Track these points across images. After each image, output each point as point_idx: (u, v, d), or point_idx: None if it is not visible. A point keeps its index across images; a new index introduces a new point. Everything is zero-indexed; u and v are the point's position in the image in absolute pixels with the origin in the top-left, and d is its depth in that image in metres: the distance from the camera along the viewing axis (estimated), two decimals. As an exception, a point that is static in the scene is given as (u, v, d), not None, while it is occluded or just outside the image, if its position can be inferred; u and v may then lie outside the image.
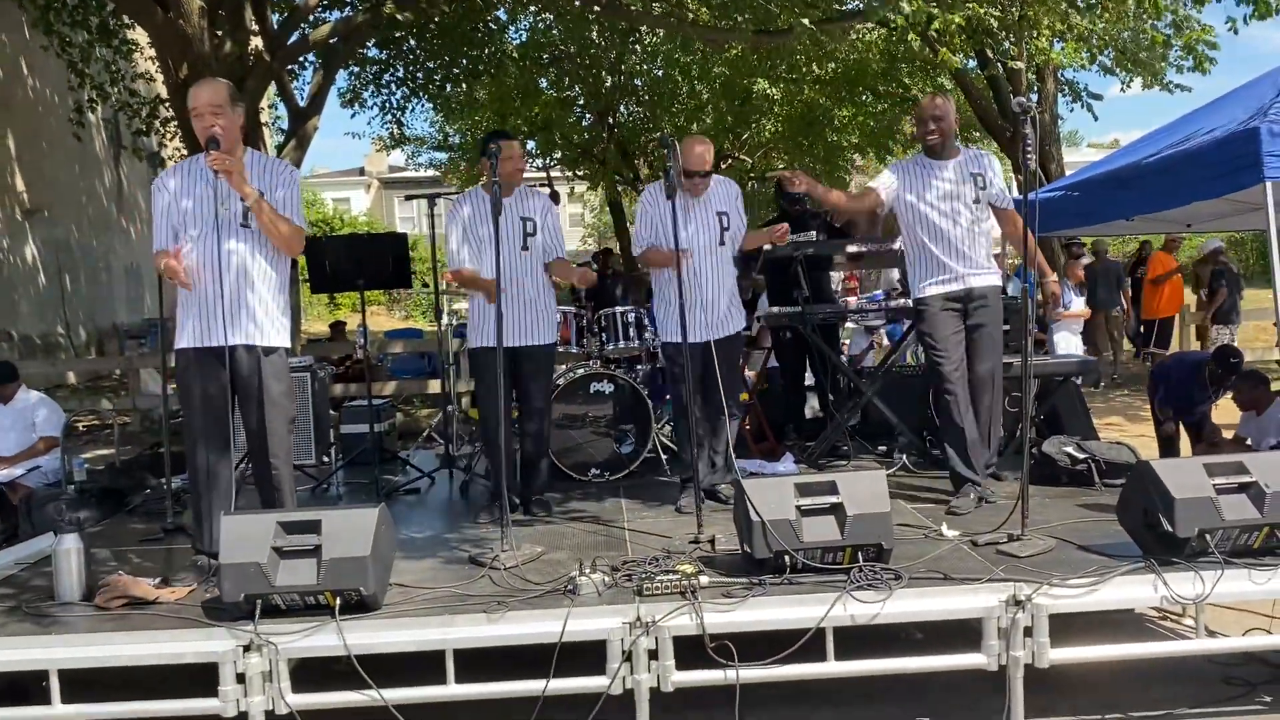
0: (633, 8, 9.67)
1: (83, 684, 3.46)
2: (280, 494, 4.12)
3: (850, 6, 8.79)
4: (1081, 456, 5.13)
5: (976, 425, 4.83)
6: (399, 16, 9.53)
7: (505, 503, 4.15)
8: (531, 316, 4.90)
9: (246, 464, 4.56)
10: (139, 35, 11.37)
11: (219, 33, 8.70)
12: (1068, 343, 9.75)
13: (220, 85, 4.03)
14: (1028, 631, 3.47)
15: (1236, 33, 8.12)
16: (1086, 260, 13.72)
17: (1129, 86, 12.46)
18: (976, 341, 4.86)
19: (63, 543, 3.78)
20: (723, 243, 5.00)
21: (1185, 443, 6.67)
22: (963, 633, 3.61)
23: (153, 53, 10.24)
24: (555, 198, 21.26)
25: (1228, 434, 6.35)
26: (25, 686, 3.67)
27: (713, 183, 5.02)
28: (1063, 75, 14.13)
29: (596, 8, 10.03)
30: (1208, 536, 3.61)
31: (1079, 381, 6.63)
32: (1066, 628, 3.59)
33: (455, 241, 4.94)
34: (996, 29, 8.98)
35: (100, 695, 3.44)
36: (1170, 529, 3.59)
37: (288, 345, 4.14)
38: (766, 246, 6.24)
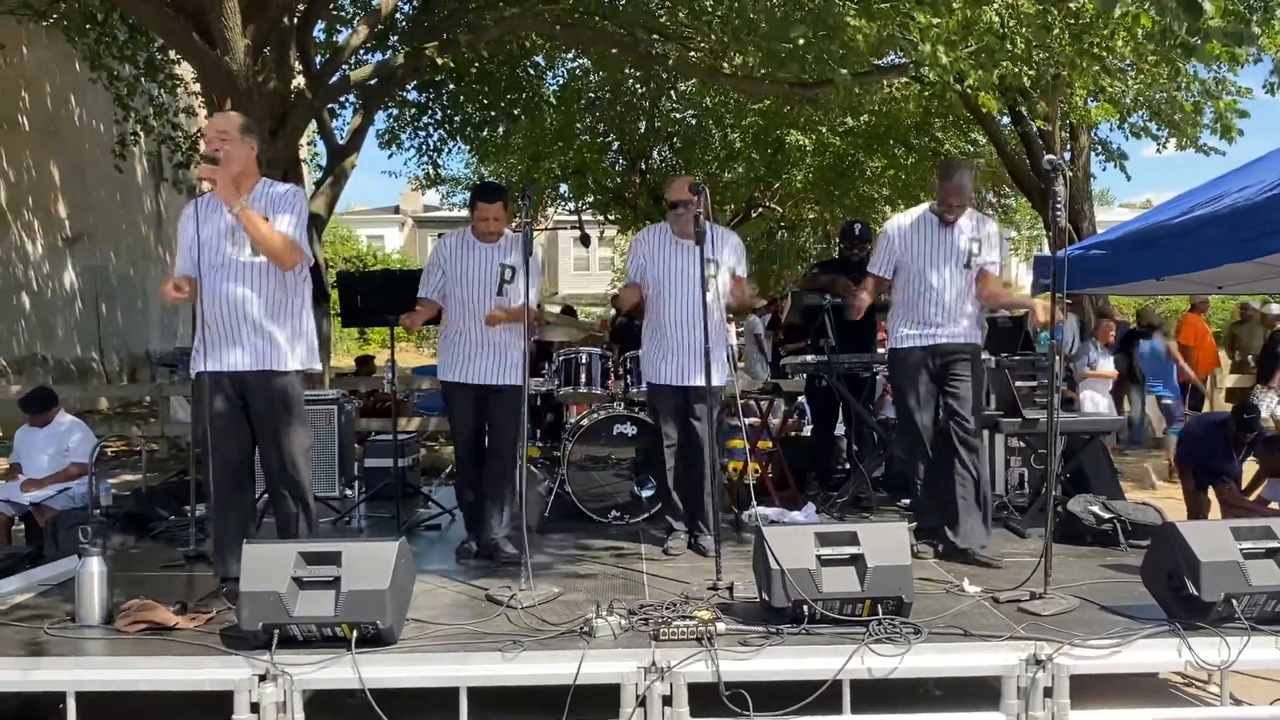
0: (670, 56, 9.78)
1: (99, 707, 3.47)
2: (299, 525, 4.16)
3: (886, 61, 8.86)
4: (1107, 516, 5.07)
5: (954, 479, 4.77)
6: (439, 60, 9.70)
7: (526, 540, 4.16)
8: (500, 359, 4.92)
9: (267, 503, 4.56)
10: (183, 70, 11.63)
11: (261, 71, 8.88)
12: (1094, 403, 9.70)
13: (232, 116, 4.21)
14: (1048, 691, 3.43)
15: (1274, 94, 8.14)
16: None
17: (1165, 147, 12.44)
18: (954, 395, 4.83)
19: (86, 566, 3.82)
20: (705, 287, 4.68)
21: (1215, 507, 6.58)
22: (981, 690, 3.57)
23: (197, 88, 10.46)
24: (585, 240, 21.54)
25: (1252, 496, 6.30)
26: (42, 708, 3.69)
27: (712, 231, 4.76)
28: (1096, 134, 14.15)
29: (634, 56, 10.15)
30: (1234, 601, 3.56)
31: (1117, 443, 6.57)
32: (1087, 689, 3.53)
33: (428, 272, 5.04)
34: (1030, 87, 9.03)
35: None
36: (1196, 593, 3.55)
37: (301, 368, 4.21)
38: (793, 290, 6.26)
